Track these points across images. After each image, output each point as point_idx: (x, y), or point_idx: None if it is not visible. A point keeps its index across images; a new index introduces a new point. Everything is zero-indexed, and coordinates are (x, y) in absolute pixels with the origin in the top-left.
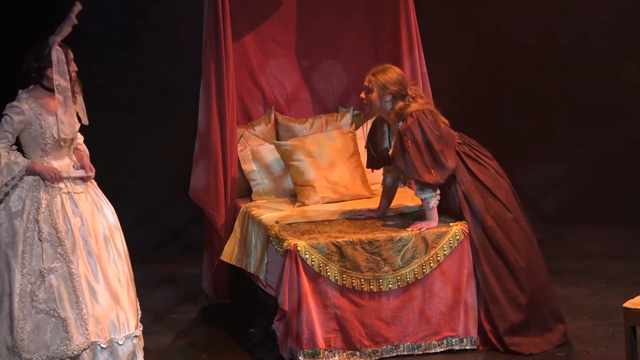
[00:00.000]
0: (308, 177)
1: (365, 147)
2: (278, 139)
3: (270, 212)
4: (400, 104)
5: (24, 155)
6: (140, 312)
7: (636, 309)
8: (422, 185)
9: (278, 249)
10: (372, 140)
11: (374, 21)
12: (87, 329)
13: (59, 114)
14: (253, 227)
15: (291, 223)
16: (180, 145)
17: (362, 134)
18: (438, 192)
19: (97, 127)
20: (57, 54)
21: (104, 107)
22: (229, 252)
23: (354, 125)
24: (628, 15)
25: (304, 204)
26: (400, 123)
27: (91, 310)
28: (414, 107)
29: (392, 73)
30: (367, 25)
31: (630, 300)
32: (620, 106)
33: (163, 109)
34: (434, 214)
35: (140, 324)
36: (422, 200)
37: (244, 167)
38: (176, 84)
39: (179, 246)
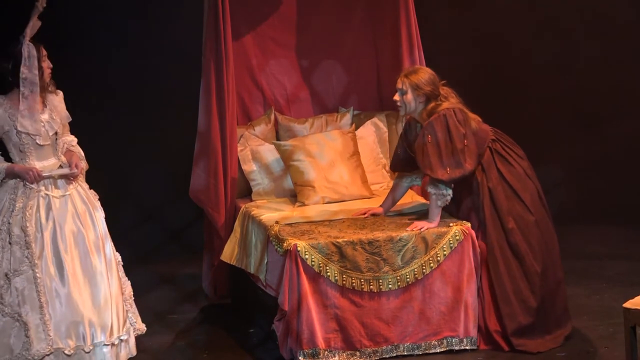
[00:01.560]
0: (308, 177)
1: (396, 148)
2: (278, 139)
3: (270, 212)
4: (432, 103)
5: (11, 160)
6: (130, 320)
7: (636, 309)
8: (435, 181)
9: (278, 249)
10: (406, 142)
11: (374, 21)
12: (49, 335)
13: (20, 107)
14: (253, 227)
15: (291, 223)
16: (180, 145)
17: (362, 134)
18: (450, 193)
19: (97, 127)
20: (28, 48)
21: (104, 107)
22: (229, 252)
23: (354, 125)
24: (626, 15)
25: (304, 204)
26: None
27: (56, 316)
28: (445, 105)
29: (424, 73)
30: (367, 25)
31: (630, 300)
32: (620, 106)
33: (163, 109)
34: (438, 214)
35: (123, 332)
36: (431, 195)
37: (244, 167)
38: (176, 84)
39: (179, 246)
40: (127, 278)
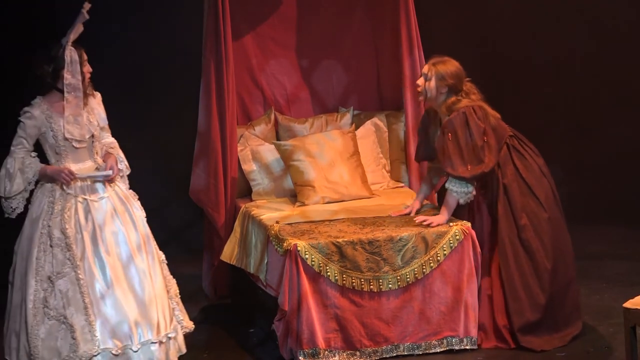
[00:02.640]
0: (308, 177)
1: (418, 139)
2: (278, 139)
3: (270, 212)
4: (453, 98)
5: (47, 161)
6: (177, 318)
7: (636, 309)
8: (456, 179)
9: (278, 249)
10: (424, 132)
11: (374, 21)
12: (95, 336)
13: (66, 113)
14: (253, 227)
15: (291, 223)
16: (181, 145)
17: (362, 134)
18: (473, 190)
19: None
20: (70, 53)
21: (103, 106)
22: (229, 252)
23: (354, 125)
24: (626, 15)
25: (304, 204)
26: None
27: (101, 316)
28: (464, 102)
29: (452, 66)
30: (367, 25)
31: (630, 300)
32: (621, 106)
33: (163, 108)
34: (450, 212)
35: (171, 329)
36: (452, 192)
37: (244, 167)
38: (176, 83)
39: (179, 246)
40: (172, 276)
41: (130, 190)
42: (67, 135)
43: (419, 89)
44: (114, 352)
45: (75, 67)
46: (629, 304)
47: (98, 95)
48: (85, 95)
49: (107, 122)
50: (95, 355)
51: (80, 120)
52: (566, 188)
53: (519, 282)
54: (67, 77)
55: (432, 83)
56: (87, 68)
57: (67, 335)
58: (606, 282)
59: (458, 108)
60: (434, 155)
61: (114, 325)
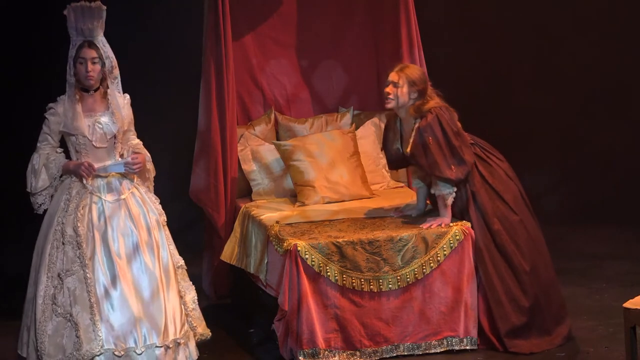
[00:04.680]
0: (308, 177)
1: (382, 149)
2: (278, 139)
3: (270, 212)
4: (420, 101)
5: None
6: (189, 325)
7: (636, 309)
8: (442, 182)
9: (278, 249)
10: (386, 141)
11: (374, 21)
12: (99, 335)
13: (65, 108)
14: (253, 227)
15: (291, 223)
16: (180, 145)
17: (362, 134)
18: (455, 190)
19: None
20: (71, 50)
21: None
22: (229, 252)
23: (354, 125)
24: (622, 20)
25: (304, 204)
26: (418, 120)
27: (106, 317)
28: (431, 104)
29: (418, 70)
30: (368, 25)
31: (630, 300)
32: (619, 106)
33: (162, 108)
34: (449, 211)
35: (180, 335)
36: (439, 196)
37: (244, 167)
38: (176, 83)
39: (179, 246)
40: (190, 283)
41: (152, 195)
42: (61, 128)
43: (390, 97)
44: (116, 353)
45: (70, 62)
46: (629, 304)
47: (127, 96)
48: (80, 93)
49: (131, 124)
50: (98, 355)
51: (74, 116)
52: (566, 188)
53: (499, 288)
54: (67, 72)
55: (405, 89)
56: (85, 67)
57: (71, 333)
58: (606, 282)
59: (427, 109)
60: (405, 163)
61: (119, 326)
